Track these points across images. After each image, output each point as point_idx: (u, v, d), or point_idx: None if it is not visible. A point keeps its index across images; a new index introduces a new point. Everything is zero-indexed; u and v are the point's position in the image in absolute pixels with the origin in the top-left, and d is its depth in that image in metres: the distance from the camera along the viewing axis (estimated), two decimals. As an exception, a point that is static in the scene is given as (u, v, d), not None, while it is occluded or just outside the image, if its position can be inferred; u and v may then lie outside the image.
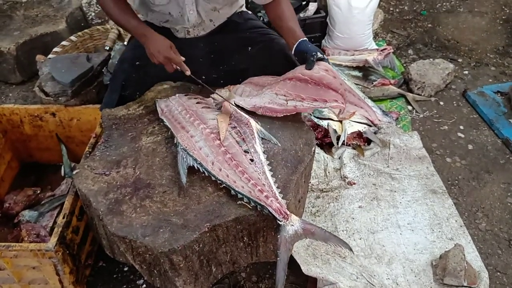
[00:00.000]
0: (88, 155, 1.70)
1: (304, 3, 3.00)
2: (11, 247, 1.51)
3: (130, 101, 1.90)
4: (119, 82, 1.92)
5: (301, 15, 3.02)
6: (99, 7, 3.94)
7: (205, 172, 1.46)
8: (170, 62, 1.71)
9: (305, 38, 1.76)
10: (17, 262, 1.58)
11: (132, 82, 1.92)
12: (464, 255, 1.74)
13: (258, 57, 1.98)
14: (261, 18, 2.84)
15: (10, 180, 2.24)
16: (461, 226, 1.98)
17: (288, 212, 1.35)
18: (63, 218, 1.59)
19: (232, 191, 1.40)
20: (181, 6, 1.85)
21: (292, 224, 1.35)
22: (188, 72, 1.73)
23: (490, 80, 3.06)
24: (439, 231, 1.95)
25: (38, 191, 2.10)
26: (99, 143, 1.68)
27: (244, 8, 2.18)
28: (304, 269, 1.72)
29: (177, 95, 1.79)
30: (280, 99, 1.69)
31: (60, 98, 2.16)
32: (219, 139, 1.51)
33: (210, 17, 1.95)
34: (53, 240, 1.52)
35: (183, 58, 1.73)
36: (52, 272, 1.59)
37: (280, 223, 1.34)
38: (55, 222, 1.86)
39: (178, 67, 1.73)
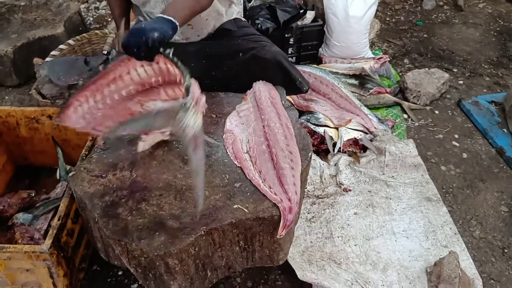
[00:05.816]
0: (84, 157, 1.70)
1: (301, 11, 3.02)
2: (4, 249, 1.50)
3: None
4: None
5: (299, 23, 3.04)
6: (98, 11, 3.96)
7: None
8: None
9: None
10: (10, 265, 1.56)
11: None
12: (458, 262, 1.75)
13: (250, 64, 1.96)
14: (259, 25, 2.86)
15: (4, 183, 2.22)
16: (455, 233, 1.99)
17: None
18: (58, 220, 1.58)
19: None
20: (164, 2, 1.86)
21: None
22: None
23: (484, 90, 3.10)
24: (434, 239, 1.96)
25: (33, 194, 2.08)
26: (96, 146, 1.68)
27: (239, 16, 2.19)
28: (299, 274, 1.73)
29: None
30: None
31: (57, 101, 2.16)
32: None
33: None
34: (48, 242, 1.51)
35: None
36: (45, 274, 1.57)
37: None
38: (49, 225, 1.84)
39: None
